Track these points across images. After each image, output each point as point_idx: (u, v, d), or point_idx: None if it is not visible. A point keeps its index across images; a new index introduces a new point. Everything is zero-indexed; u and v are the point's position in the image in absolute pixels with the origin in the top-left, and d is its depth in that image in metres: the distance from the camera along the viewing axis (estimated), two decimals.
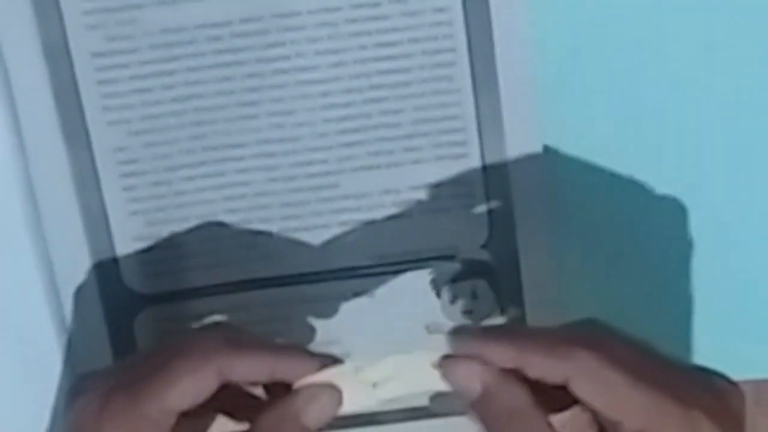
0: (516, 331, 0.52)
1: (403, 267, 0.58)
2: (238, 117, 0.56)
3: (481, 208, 0.57)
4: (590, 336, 0.49)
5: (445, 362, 0.50)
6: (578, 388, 0.48)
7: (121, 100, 0.56)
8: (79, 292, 0.58)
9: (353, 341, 0.58)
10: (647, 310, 0.59)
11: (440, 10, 0.55)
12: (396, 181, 0.57)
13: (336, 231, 0.58)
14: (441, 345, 0.50)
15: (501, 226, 0.58)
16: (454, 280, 0.58)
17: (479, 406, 0.50)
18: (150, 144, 0.57)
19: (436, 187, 0.57)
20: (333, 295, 0.59)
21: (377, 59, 0.56)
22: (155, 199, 0.57)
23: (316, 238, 0.58)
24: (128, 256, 0.58)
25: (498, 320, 0.58)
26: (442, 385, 0.50)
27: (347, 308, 0.59)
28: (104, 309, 0.58)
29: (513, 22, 0.55)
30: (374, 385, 0.50)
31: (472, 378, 0.50)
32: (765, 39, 0.56)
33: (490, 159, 0.57)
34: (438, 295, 0.58)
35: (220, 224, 0.58)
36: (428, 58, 0.56)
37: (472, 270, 0.58)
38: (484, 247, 0.58)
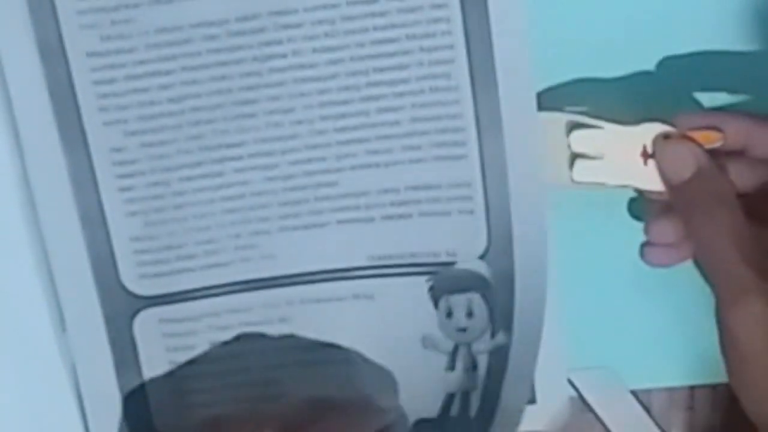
0: (743, 112, 0.53)
1: (402, 270, 0.58)
2: (236, 116, 0.56)
3: (480, 214, 0.57)
4: None
5: (662, 141, 0.52)
6: None
7: (117, 100, 0.56)
8: (77, 294, 0.58)
9: (352, 342, 0.59)
10: (646, 323, 0.60)
11: (438, 6, 0.55)
12: (395, 180, 0.57)
13: (335, 230, 0.57)
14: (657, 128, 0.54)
15: (499, 236, 0.57)
16: (452, 291, 0.58)
17: (684, 189, 0.52)
18: (147, 144, 0.56)
19: (435, 188, 0.57)
20: (333, 297, 0.58)
21: (374, 56, 0.56)
22: (153, 199, 0.57)
23: (315, 237, 0.58)
24: (126, 257, 0.58)
25: (487, 345, 0.58)
26: (644, 182, 0.53)
27: (347, 311, 0.58)
28: (103, 311, 0.58)
29: (511, 18, 0.55)
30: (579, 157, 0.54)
31: (688, 158, 0.52)
32: None
33: (490, 159, 0.56)
34: (436, 305, 0.58)
35: (219, 224, 0.57)
36: (426, 55, 0.56)
37: (469, 282, 0.58)
38: (482, 257, 0.57)
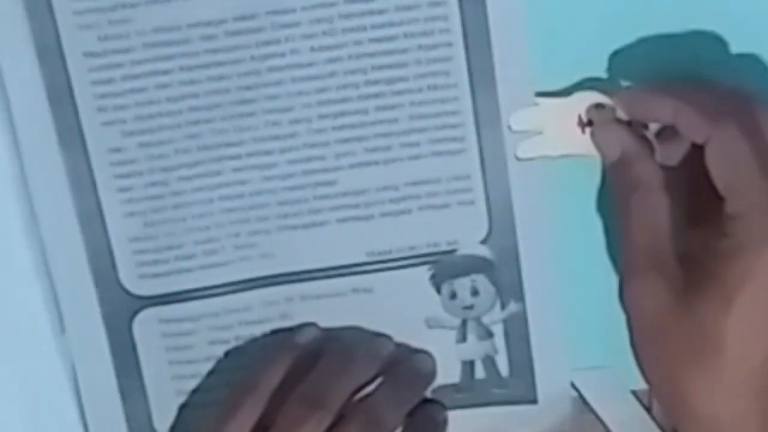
0: (676, 89, 0.53)
1: (402, 263, 0.58)
2: (234, 115, 0.56)
3: (481, 203, 0.57)
4: (743, 102, 0.51)
5: (596, 124, 0.54)
6: (712, 151, 0.50)
7: (115, 100, 0.56)
8: (77, 295, 0.58)
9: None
10: None
11: (436, 4, 0.55)
12: (394, 177, 0.57)
13: (334, 228, 0.57)
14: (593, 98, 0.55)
15: (500, 221, 0.57)
16: (454, 275, 0.58)
17: (613, 170, 0.54)
18: (145, 144, 0.56)
19: (435, 183, 0.57)
20: (332, 293, 0.58)
21: (373, 55, 0.55)
22: (151, 199, 0.57)
23: (314, 235, 0.57)
24: (125, 258, 0.58)
25: (498, 315, 0.59)
26: (584, 150, 0.55)
27: (347, 305, 0.58)
28: (102, 311, 0.58)
29: (509, 15, 0.55)
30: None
31: (615, 141, 0.54)
32: None
33: (489, 153, 0.56)
34: (438, 291, 0.58)
35: (218, 224, 0.57)
36: (424, 53, 0.55)
37: (471, 265, 0.58)
38: (483, 242, 0.58)
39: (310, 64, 0.56)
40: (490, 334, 0.59)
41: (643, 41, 0.56)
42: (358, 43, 0.55)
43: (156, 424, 0.59)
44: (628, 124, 0.54)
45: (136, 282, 0.58)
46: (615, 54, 0.56)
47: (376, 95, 0.56)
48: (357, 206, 0.57)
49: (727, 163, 0.50)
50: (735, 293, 0.49)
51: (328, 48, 0.55)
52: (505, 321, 0.59)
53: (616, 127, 0.54)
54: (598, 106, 0.55)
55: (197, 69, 0.56)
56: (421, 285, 0.58)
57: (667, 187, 0.53)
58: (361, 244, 0.58)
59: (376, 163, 0.57)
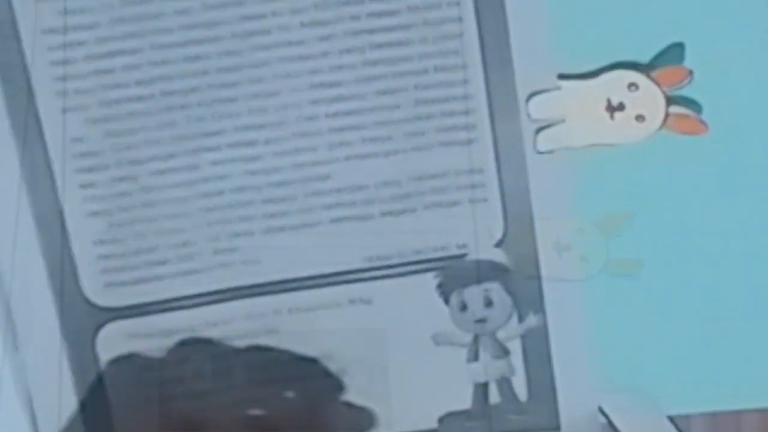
0: None
1: (405, 270, 0.56)
2: (213, 101, 0.54)
3: (495, 201, 0.55)
4: None
5: None
6: None
7: (77, 83, 0.54)
8: (32, 306, 0.55)
9: (350, 357, 0.56)
10: (684, 340, 0.57)
11: None
12: (396, 172, 0.55)
13: (328, 230, 0.55)
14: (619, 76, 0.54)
15: (517, 221, 0.55)
16: (465, 284, 0.56)
17: None
18: (112, 134, 0.54)
19: (443, 178, 0.55)
20: (325, 304, 0.56)
21: (372, 31, 0.54)
22: (118, 197, 0.55)
23: (304, 238, 0.55)
24: (88, 264, 0.55)
25: (515, 329, 0.57)
26: (612, 138, 0.53)
27: (342, 318, 0.56)
28: (61, 325, 0.56)
29: None
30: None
31: None
32: None
33: (504, 144, 0.55)
34: (446, 301, 0.56)
35: (194, 225, 0.55)
36: (431, 30, 0.54)
37: (484, 272, 0.56)
38: (498, 245, 0.55)
39: (300, 43, 0.54)
40: (506, 352, 0.57)
41: None
42: (355, 18, 0.54)
43: None
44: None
45: (100, 291, 0.56)
46: None
47: (376, 78, 0.54)
48: (354, 204, 0.55)
49: None
50: None
51: (321, 24, 0.54)
52: (523, 336, 0.57)
53: None
54: (631, 86, 0.53)
55: (171, 48, 0.54)
56: (426, 295, 0.56)
57: None
58: (358, 248, 0.56)
59: (376, 155, 0.55)
